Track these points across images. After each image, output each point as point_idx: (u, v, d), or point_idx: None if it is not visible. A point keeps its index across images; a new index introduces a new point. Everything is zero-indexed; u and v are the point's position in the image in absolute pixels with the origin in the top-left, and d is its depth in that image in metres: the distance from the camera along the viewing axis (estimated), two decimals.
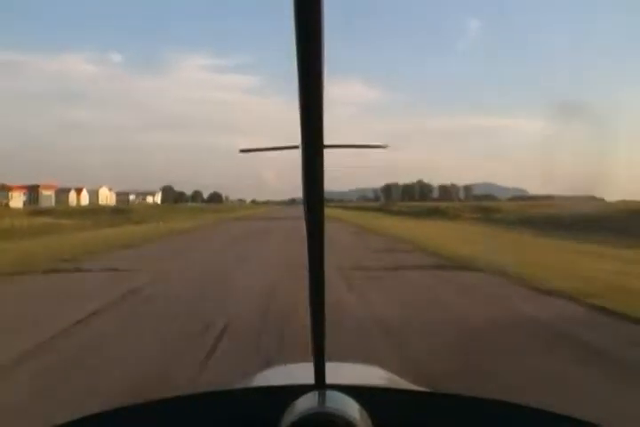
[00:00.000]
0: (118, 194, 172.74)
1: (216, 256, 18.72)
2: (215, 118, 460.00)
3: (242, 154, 1.15)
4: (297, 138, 0.67)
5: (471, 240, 24.41)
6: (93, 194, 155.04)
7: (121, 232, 32.15)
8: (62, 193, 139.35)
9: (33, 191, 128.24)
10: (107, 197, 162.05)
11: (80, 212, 57.20)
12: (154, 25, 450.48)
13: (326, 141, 0.68)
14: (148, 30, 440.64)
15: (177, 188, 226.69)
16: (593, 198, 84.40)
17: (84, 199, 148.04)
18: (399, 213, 75.58)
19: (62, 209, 62.56)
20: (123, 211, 59.87)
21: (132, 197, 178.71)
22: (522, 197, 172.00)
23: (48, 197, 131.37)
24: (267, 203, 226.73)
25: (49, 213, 52.38)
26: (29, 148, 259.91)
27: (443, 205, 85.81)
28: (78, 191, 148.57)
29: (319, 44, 0.57)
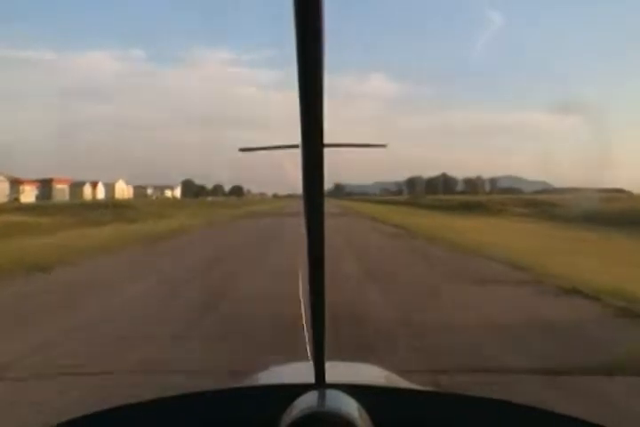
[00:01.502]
0: (136, 188, 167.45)
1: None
2: (237, 112, 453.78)
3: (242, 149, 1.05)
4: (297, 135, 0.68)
5: (571, 250, 16.42)
6: (110, 188, 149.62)
7: (93, 235, 24.69)
8: (77, 187, 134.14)
9: (46, 185, 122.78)
10: (123, 190, 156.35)
11: (74, 207, 49.76)
12: (175, 21, 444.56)
13: (330, 140, 0.69)
14: (169, 27, 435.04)
15: (198, 181, 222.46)
16: (620, 191, 75.84)
17: (100, 193, 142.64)
18: (431, 207, 67.53)
19: (52, 205, 55.30)
20: (123, 206, 52.46)
21: (149, 190, 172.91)
22: (547, 191, 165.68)
23: (62, 191, 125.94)
24: (289, 197, 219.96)
25: (33, 209, 45.06)
26: (49, 142, 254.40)
27: (479, 198, 77.94)
28: (94, 185, 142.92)
29: (319, 44, 0.57)
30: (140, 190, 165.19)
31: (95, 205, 53.70)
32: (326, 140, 0.69)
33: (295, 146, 0.73)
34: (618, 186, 72.00)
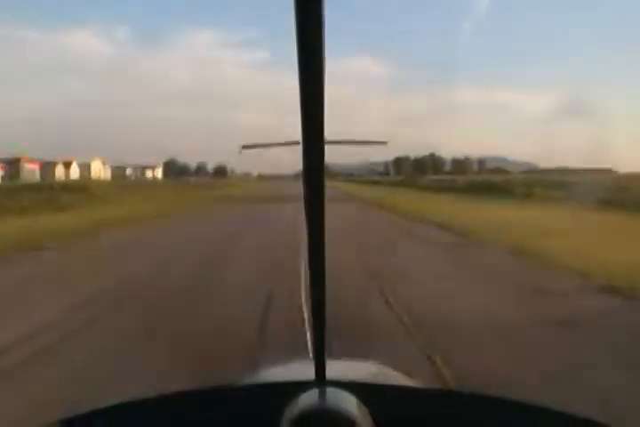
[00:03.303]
0: (114, 168, 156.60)
1: None
2: (221, 93, 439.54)
3: (244, 147, 0.74)
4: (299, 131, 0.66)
5: None
6: (85, 168, 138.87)
7: None
8: (49, 167, 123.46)
9: (13, 166, 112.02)
10: (100, 171, 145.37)
11: (13, 190, 39.34)
12: (161, 1, 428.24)
13: (331, 129, 0.63)
14: (154, 5, 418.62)
15: (181, 161, 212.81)
16: (608, 171, 69.53)
17: (74, 173, 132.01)
18: (435, 189, 57.77)
19: None
20: (70, 189, 42.24)
21: (128, 171, 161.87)
22: (533, 171, 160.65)
23: (31, 171, 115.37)
24: (273, 177, 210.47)
25: None
26: (25, 121, 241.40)
27: (486, 178, 68.26)
28: (67, 165, 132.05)
29: (320, 41, 0.56)
30: (118, 171, 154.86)
31: (35, 186, 43.28)
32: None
33: (296, 143, 0.61)
34: (605, 166, 65.61)
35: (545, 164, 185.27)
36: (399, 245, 14.73)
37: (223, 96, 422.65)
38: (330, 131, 0.70)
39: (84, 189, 44.13)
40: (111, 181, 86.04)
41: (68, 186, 46.50)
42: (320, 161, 0.70)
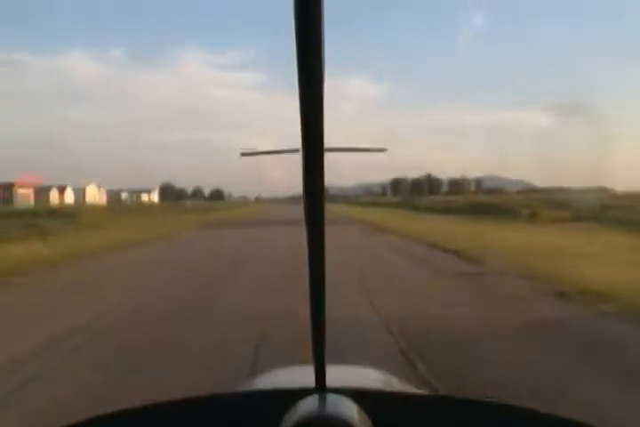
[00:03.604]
0: (109, 192, 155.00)
1: None
2: (218, 115, 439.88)
3: (244, 154, 0.98)
4: (299, 138, 0.67)
5: None
6: (80, 192, 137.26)
7: None
8: (43, 191, 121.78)
9: (7, 190, 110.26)
10: (95, 195, 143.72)
11: None
12: (155, 21, 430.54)
13: (327, 144, 0.68)
14: (148, 27, 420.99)
15: (178, 185, 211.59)
16: (603, 189, 68.08)
17: (69, 198, 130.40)
18: (435, 211, 56.06)
19: None
20: (57, 215, 40.69)
21: (124, 195, 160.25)
22: (530, 190, 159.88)
23: (25, 196, 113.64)
24: (271, 200, 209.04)
25: None
26: (18, 145, 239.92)
27: (486, 199, 66.56)
28: (61, 190, 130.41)
29: (319, 50, 0.56)
30: (114, 195, 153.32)
31: (22, 212, 41.48)
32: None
33: (295, 150, 0.64)
34: (601, 184, 64.94)
35: (540, 183, 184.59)
36: (422, 284, 12.40)
37: (221, 118, 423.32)
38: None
39: (71, 215, 42.36)
40: (104, 206, 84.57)
41: (55, 212, 44.77)
42: (320, 168, 0.70)
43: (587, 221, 32.01)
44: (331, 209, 72.75)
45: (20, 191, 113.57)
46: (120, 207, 79.12)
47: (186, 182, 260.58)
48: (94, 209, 63.03)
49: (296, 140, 0.66)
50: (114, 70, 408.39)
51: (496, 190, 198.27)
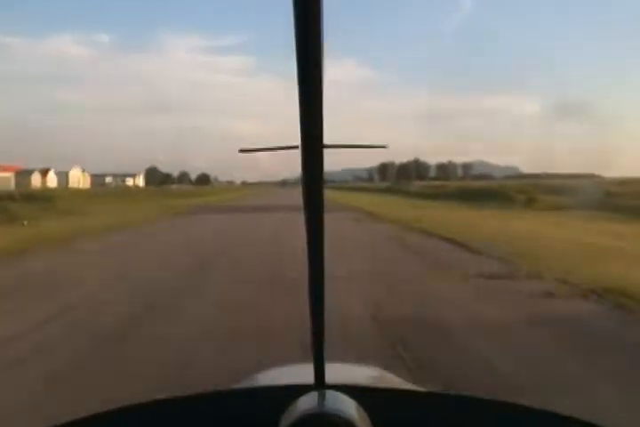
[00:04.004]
0: (94, 176, 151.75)
1: None
2: (206, 99, 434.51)
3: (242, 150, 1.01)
4: (295, 134, 0.66)
5: None
6: (63, 176, 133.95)
7: None
8: (25, 175, 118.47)
9: None
10: (79, 179, 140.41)
11: None
12: (143, 6, 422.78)
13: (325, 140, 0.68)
14: (137, 11, 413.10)
15: (164, 169, 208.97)
16: (592, 176, 67.32)
17: (52, 182, 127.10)
18: (426, 196, 54.09)
19: None
20: (38, 199, 38.49)
21: (108, 179, 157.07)
22: (517, 176, 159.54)
23: (6, 179, 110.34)
24: (258, 184, 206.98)
25: None
26: (3, 129, 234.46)
27: (479, 185, 64.68)
28: (44, 173, 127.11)
29: (319, 45, 0.56)
30: (98, 179, 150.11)
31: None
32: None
33: (295, 147, 0.69)
34: (588, 171, 64.37)
35: (528, 169, 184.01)
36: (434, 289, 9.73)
37: (209, 103, 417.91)
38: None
39: (49, 198, 40.01)
40: (86, 190, 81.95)
41: (32, 195, 42.34)
42: (319, 165, 0.70)
43: (591, 209, 30.19)
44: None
45: (1, 175, 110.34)
46: (102, 191, 76.28)
47: (172, 167, 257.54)
48: (74, 193, 60.34)
49: (294, 136, 0.66)
50: (101, 54, 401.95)
51: (484, 176, 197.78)
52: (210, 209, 38.40)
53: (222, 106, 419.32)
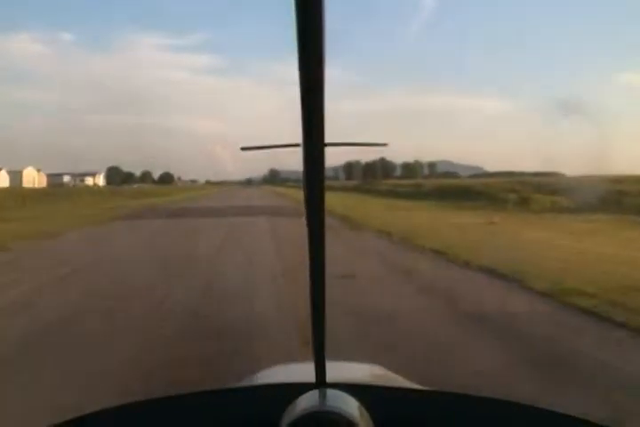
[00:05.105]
0: (50, 176, 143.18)
1: None
2: (170, 98, 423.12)
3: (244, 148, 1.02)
4: (296, 135, 0.66)
5: None
6: (17, 175, 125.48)
7: None
8: None
9: None
10: (34, 178, 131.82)
11: None
12: (107, 3, 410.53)
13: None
14: (100, 9, 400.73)
15: (128, 168, 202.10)
16: (556, 174, 63.60)
17: (4, 181, 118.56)
18: (400, 196, 48.54)
19: None
20: None
21: (66, 178, 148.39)
22: (482, 175, 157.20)
23: None
24: (221, 183, 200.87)
25: None
26: None
27: (456, 182, 59.34)
28: None
29: (320, 44, 0.55)
30: (55, 178, 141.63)
31: None
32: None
33: (296, 145, 0.68)
34: (551, 169, 61.55)
35: (491, 168, 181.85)
36: None
37: (172, 102, 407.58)
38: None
39: None
40: (28, 190, 74.86)
41: None
42: (320, 163, 0.69)
43: (601, 211, 24.93)
44: (282, 193, 64.27)
45: None
46: (49, 191, 69.63)
47: (136, 166, 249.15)
48: (9, 193, 53.60)
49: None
50: (62, 53, 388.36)
51: (450, 174, 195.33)
52: (154, 211, 31.94)
53: (186, 105, 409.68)
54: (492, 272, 9.98)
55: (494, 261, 10.50)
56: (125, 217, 27.13)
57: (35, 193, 60.38)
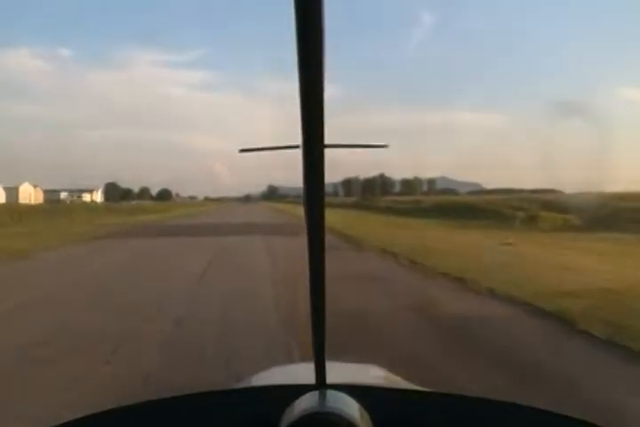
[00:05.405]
0: (47, 192, 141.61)
1: None
2: (167, 114, 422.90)
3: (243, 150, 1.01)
4: (295, 137, 0.66)
5: None
6: (13, 192, 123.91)
7: None
8: None
9: None
10: (30, 194, 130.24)
11: None
12: (104, 20, 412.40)
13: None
14: (98, 26, 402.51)
15: (125, 185, 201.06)
16: (553, 191, 62.83)
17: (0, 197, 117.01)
18: (402, 213, 47.05)
19: None
20: None
21: (63, 194, 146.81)
22: (480, 191, 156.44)
23: None
24: (220, 200, 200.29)
25: None
26: None
27: (458, 200, 57.96)
28: None
29: (320, 45, 0.55)
30: (52, 194, 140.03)
31: None
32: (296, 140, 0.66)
33: (296, 146, 0.68)
34: (548, 186, 61.21)
35: (489, 185, 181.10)
36: None
37: (170, 118, 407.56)
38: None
39: None
40: (26, 206, 73.24)
41: None
42: (320, 164, 0.69)
43: (615, 230, 23.43)
44: (280, 209, 62.65)
45: None
46: (44, 207, 68.07)
47: (134, 183, 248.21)
48: (8, 210, 52.02)
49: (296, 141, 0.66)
50: (60, 68, 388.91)
51: (448, 191, 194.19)
52: (145, 230, 30.43)
53: (185, 120, 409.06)
54: (547, 316, 7.79)
55: (533, 293, 8.76)
56: (115, 235, 25.57)
57: (29, 209, 58.66)
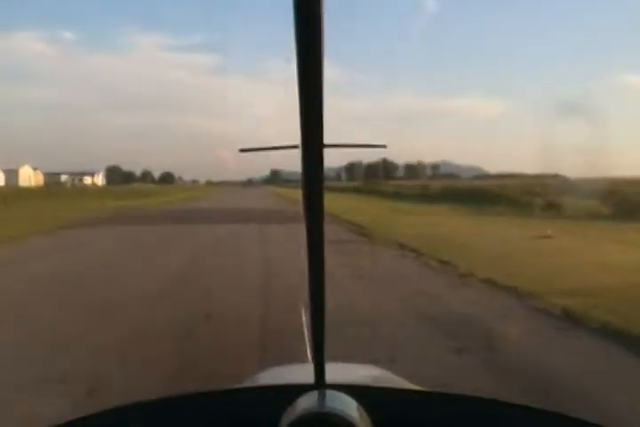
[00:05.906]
0: (47, 174, 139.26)
1: None
2: (170, 98, 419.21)
3: (242, 150, 1.02)
4: (295, 136, 0.65)
5: None
6: (12, 174, 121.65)
7: None
8: None
9: None
10: (30, 177, 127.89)
11: None
12: (109, 3, 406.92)
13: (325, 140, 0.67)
14: (102, 9, 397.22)
15: (127, 168, 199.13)
16: (556, 176, 60.11)
17: None
18: (409, 198, 44.66)
19: None
20: None
21: (64, 177, 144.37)
22: (484, 176, 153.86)
23: None
24: (222, 184, 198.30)
25: None
26: None
27: (462, 184, 55.47)
28: None
29: (320, 44, 0.54)
30: (53, 177, 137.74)
31: None
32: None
33: (295, 146, 0.67)
34: (554, 171, 58.71)
35: (491, 169, 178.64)
36: None
37: (174, 101, 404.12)
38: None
39: None
40: (24, 189, 71.03)
41: None
42: (319, 165, 0.68)
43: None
44: (282, 194, 60.27)
45: None
46: (42, 190, 65.80)
47: (136, 165, 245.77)
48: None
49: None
50: (64, 52, 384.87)
51: (451, 175, 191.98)
52: (138, 215, 28.19)
53: (187, 104, 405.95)
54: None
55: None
56: (96, 222, 23.22)
57: (17, 192, 56.29)
